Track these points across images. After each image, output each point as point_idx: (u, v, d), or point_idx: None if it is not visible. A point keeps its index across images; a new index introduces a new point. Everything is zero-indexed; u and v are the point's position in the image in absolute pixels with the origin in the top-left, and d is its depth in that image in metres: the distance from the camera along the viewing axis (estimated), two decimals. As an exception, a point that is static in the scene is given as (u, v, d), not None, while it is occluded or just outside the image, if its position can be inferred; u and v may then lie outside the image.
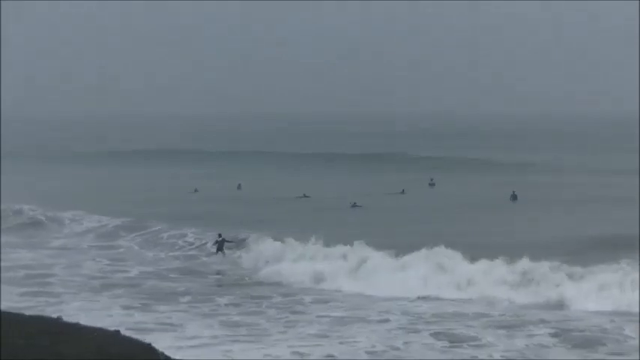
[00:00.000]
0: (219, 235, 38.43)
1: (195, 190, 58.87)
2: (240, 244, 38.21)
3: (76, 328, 14.69)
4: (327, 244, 33.06)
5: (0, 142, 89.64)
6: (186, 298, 28.32)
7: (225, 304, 27.18)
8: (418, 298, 27.25)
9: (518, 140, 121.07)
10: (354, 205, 50.51)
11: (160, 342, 21.36)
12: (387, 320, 25.16)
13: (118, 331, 14.75)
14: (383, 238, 35.62)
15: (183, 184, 62.20)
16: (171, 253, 37.68)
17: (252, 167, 76.64)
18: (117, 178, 70.80)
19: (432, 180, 64.52)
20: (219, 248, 38.01)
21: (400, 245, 33.07)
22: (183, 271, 33.60)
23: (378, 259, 30.95)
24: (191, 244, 38.66)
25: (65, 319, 23.08)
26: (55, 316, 16.40)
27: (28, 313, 20.19)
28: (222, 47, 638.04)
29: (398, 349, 22.30)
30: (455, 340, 22.95)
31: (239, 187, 62.52)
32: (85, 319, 23.79)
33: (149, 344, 13.81)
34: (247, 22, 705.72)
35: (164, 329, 23.77)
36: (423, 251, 30.56)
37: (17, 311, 18.23)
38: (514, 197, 53.15)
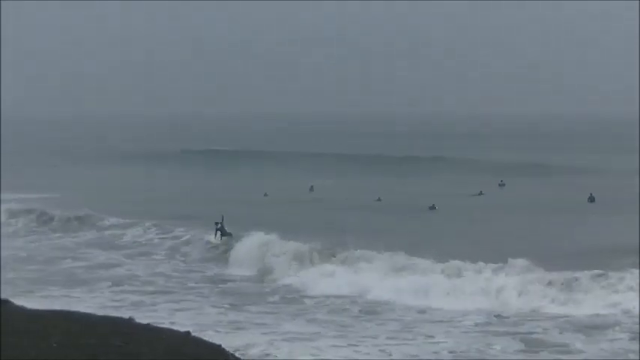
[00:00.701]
0: (217, 223, 38.27)
1: (265, 195, 58.03)
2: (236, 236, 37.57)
3: (147, 329, 14.77)
4: (416, 254, 31.88)
5: (0, 142, 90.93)
6: (275, 298, 28.52)
7: (314, 305, 27.35)
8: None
9: (561, 141, 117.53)
10: (432, 208, 49.87)
11: (256, 339, 22.20)
12: (468, 323, 25.03)
13: (188, 332, 14.77)
14: (472, 246, 35.03)
15: (252, 187, 61.86)
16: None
17: (314, 168, 75.55)
18: (181, 180, 70.99)
19: (501, 181, 63.67)
20: (223, 233, 37.88)
21: (490, 254, 32.57)
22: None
23: (471, 274, 29.52)
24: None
25: (155, 319, 23.69)
26: (126, 316, 16.51)
27: (117, 314, 20.76)
28: (222, 48, 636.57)
29: (479, 350, 22.11)
30: (536, 345, 22.71)
31: (311, 189, 61.89)
32: (177, 319, 24.47)
33: (219, 345, 13.78)
34: (248, 22, 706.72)
35: (256, 327, 24.00)
36: (519, 261, 29.68)
37: (104, 313, 18.62)
38: (592, 199, 51.92)
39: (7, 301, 15.93)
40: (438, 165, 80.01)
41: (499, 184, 62.83)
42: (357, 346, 22.35)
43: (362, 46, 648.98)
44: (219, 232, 38.17)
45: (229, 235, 38.07)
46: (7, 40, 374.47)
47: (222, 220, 38.69)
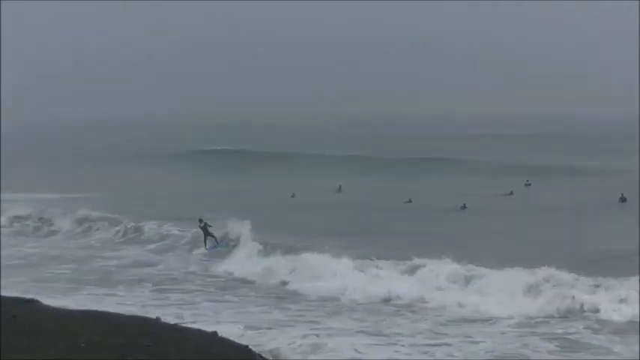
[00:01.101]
0: (200, 221, 36.65)
1: (293, 195, 57.75)
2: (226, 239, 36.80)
3: (175, 329, 14.81)
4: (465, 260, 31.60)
5: (0, 142, 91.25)
6: (313, 297, 28.61)
7: (356, 305, 27.36)
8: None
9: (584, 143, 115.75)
10: (463, 207, 49.58)
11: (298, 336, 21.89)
12: (503, 325, 25.02)
13: (215, 333, 14.77)
14: (508, 246, 34.62)
15: (277, 188, 61.65)
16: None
17: (343, 170, 74.95)
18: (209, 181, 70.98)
19: (527, 181, 63.22)
20: (207, 234, 36.38)
21: (527, 254, 32.19)
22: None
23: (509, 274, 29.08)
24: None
25: (200, 317, 23.84)
26: (154, 316, 16.54)
27: (160, 312, 20.82)
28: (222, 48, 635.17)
29: (516, 351, 21.92)
30: (572, 346, 22.62)
31: (339, 189, 61.67)
32: (222, 317, 24.35)
33: (246, 346, 13.77)
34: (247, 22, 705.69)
35: (298, 325, 23.83)
36: (555, 261, 29.31)
37: (143, 314, 18.67)
38: (623, 199, 51.36)
39: (35, 301, 16.05)
40: (459, 166, 78.98)
41: (525, 184, 62.39)
42: (395, 345, 22.39)
43: (365, 46, 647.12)
44: (207, 237, 36.53)
45: (210, 235, 36.67)
46: (7, 40, 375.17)
47: (201, 222, 36.82)
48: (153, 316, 16.91)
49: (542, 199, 54.35)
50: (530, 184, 62.42)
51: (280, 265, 32.34)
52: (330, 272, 30.85)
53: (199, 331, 15.02)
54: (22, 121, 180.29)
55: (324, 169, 76.54)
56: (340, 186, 61.42)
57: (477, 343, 22.68)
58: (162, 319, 15.84)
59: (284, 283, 30.56)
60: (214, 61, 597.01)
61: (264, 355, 13.72)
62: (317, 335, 22.24)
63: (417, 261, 30.90)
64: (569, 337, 23.49)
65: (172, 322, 15.28)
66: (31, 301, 16.29)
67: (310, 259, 32.24)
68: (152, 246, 38.20)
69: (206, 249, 36.20)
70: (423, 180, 67.84)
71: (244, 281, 30.78)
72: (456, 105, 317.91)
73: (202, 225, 36.47)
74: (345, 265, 31.24)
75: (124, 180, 69.63)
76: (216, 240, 36.51)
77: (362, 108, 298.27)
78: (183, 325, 17.88)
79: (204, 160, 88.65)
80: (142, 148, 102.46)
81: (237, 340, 14.33)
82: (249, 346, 13.89)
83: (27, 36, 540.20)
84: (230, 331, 19.65)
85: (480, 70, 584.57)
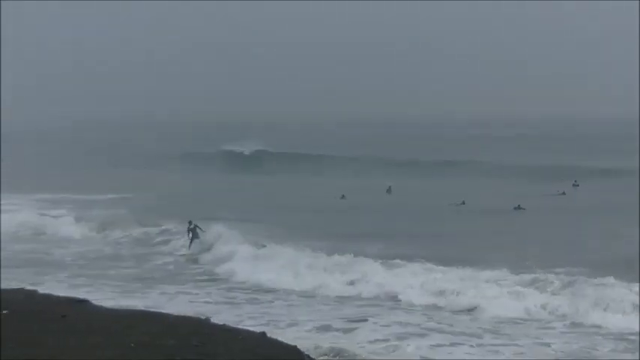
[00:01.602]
0: (190, 223, 37.42)
1: (343, 197, 57.30)
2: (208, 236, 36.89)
3: (224, 330, 14.84)
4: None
5: (0, 142, 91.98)
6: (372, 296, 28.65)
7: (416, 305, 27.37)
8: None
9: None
10: (518, 208, 48.95)
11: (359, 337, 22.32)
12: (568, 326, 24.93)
13: (264, 333, 14.77)
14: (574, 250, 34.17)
15: (325, 190, 61.25)
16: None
17: (389, 171, 73.91)
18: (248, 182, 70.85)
19: (575, 181, 62.54)
20: (194, 236, 37.01)
21: (592, 255, 31.83)
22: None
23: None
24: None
25: (273, 317, 23.96)
26: (203, 317, 16.60)
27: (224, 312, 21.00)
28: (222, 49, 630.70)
29: (584, 350, 22.16)
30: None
31: (389, 190, 61.42)
32: (295, 317, 24.68)
33: (294, 346, 13.74)
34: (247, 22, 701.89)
35: (360, 325, 24.08)
36: (625, 260, 28.89)
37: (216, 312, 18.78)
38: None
39: (87, 301, 16.22)
40: (496, 167, 77.94)
41: (573, 185, 61.74)
42: (463, 345, 22.33)
43: (365, 46, 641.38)
44: (194, 239, 37.11)
45: (197, 237, 37.12)
46: (7, 40, 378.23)
47: (191, 224, 37.47)
48: (203, 316, 17.01)
49: (593, 200, 53.39)
50: (578, 185, 61.76)
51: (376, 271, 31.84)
52: (392, 274, 30.84)
53: (248, 331, 15.04)
54: (33, 121, 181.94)
55: (367, 170, 76.00)
56: (390, 187, 61.11)
57: (549, 344, 22.56)
58: (245, 324, 15.90)
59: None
60: (214, 61, 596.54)
61: (311, 356, 13.71)
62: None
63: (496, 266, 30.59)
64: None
65: (221, 323, 15.31)
66: (83, 302, 16.46)
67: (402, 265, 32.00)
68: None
69: (189, 250, 36.95)
70: (461, 181, 66.98)
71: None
72: (456, 105, 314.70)
73: (192, 227, 37.29)
74: (410, 268, 31.08)
75: (164, 180, 69.89)
76: (200, 242, 37.13)
77: (362, 108, 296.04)
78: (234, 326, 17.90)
79: (230, 161, 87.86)
80: (167, 148, 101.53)
81: (285, 341, 14.32)
82: (297, 346, 13.88)
83: (27, 36, 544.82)
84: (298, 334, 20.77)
85: (480, 70, 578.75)
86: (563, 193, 57.06)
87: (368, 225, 43.10)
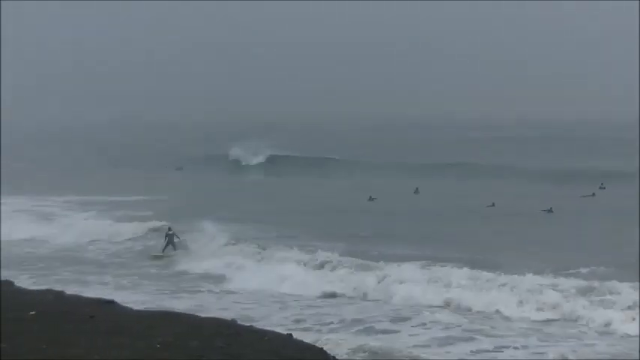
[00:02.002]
0: (170, 229, 38.34)
1: (370, 198, 56.91)
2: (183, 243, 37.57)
3: (250, 331, 14.88)
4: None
5: (0, 143, 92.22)
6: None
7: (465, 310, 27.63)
8: None
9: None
10: (549, 211, 48.57)
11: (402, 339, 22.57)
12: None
13: (290, 335, 14.80)
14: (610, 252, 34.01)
15: (351, 192, 61.03)
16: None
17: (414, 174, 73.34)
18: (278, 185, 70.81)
19: (602, 184, 62.07)
20: (169, 242, 37.78)
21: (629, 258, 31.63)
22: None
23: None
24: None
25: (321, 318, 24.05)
26: (229, 318, 16.66)
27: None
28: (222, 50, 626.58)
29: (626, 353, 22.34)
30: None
31: (416, 191, 61.27)
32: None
33: (321, 348, 13.76)
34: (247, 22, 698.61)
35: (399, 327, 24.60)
36: None
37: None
38: None
39: (114, 302, 16.35)
40: (518, 169, 77.17)
41: (600, 187, 61.27)
42: (508, 347, 22.53)
43: (365, 46, 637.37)
44: (169, 244, 37.88)
45: (173, 246, 37.80)
46: (7, 40, 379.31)
47: (170, 230, 38.32)
48: (228, 317, 17.05)
49: (624, 202, 52.81)
50: (604, 187, 61.30)
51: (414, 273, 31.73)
52: (426, 279, 30.62)
53: (274, 332, 15.07)
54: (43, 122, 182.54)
55: (389, 173, 75.45)
56: (417, 188, 60.98)
57: (592, 345, 22.81)
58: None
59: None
60: (214, 61, 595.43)
61: (337, 358, 13.71)
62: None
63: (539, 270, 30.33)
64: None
65: (247, 324, 15.36)
66: (111, 303, 16.60)
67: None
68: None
69: (162, 252, 37.71)
70: (482, 183, 66.29)
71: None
72: (456, 105, 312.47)
73: (170, 233, 38.22)
74: (456, 274, 30.86)
75: (188, 182, 70.32)
76: (174, 248, 37.80)
77: (362, 108, 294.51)
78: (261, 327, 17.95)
79: (241, 166, 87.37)
80: (181, 150, 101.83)
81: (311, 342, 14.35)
82: (324, 348, 13.90)
83: (27, 36, 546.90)
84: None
85: (480, 70, 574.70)
86: (593, 195, 56.83)
87: (402, 227, 43.18)
